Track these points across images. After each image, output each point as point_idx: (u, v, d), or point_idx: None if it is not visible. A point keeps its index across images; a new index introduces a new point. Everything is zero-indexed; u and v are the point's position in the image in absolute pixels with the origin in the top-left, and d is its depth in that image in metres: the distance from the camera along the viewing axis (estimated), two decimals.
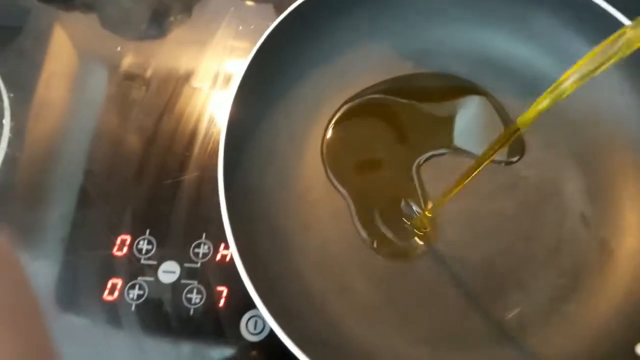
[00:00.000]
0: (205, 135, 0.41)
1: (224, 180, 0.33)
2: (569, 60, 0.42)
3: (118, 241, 0.38)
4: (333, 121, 0.43)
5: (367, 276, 0.38)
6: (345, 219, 0.39)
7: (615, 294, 0.38)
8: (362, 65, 0.43)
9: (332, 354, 0.34)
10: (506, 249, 0.39)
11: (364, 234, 0.39)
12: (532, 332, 0.37)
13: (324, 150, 0.41)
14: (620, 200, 0.41)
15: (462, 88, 0.44)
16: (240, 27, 0.45)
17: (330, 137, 0.42)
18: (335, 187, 0.40)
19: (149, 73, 0.43)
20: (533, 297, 0.38)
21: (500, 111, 0.44)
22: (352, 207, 0.40)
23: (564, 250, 0.40)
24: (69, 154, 0.41)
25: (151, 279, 0.37)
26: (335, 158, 0.41)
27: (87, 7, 0.49)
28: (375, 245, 0.39)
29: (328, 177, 0.41)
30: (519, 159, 0.42)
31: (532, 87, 0.43)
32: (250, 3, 0.48)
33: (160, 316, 0.36)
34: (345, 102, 0.43)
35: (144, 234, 0.38)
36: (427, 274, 0.39)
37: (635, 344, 0.34)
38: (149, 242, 0.38)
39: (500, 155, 0.42)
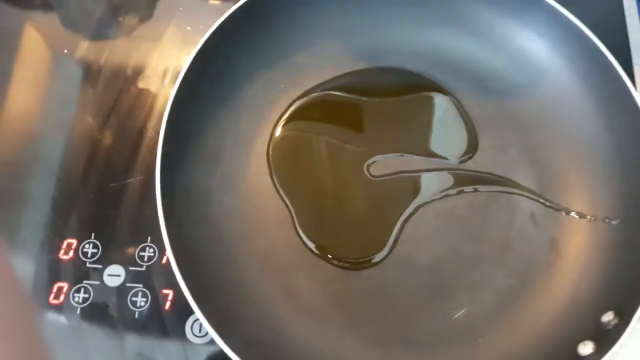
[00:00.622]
0: (152, 136, 0.41)
1: (162, 183, 0.33)
2: (518, 57, 0.43)
3: (64, 245, 0.38)
4: (280, 124, 0.42)
5: (312, 280, 0.38)
6: (291, 224, 0.39)
7: (561, 294, 0.38)
8: (313, 64, 0.43)
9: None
10: (455, 250, 0.40)
11: (309, 244, 0.39)
12: (480, 332, 0.37)
13: (270, 155, 0.41)
14: (569, 200, 0.41)
15: (416, 84, 0.44)
16: (189, 27, 0.45)
17: (277, 141, 0.42)
18: (279, 194, 0.40)
19: (97, 73, 0.43)
20: (481, 297, 0.38)
21: (458, 109, 0.43)
22: (295, 217, 0.40)
23: (513, 250, 0.40)
24: (14, 157, 0.41)
25: (96, 282, 0.37)
26: (281, 164, 0.41)
27: (48, 7, 0.48)
28: (322, 254, 0.39)
29: (274, 183, 0.41)
30: (469, 158, 0.42)
31: (486, 84, 0.44)
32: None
33: (106, 319, 0.36)
34: (293, 102, 0.43)
35: (90, 237, 0.38)
36: (374, 276, 0.39)
37: (578, 344, 0.35)
38: (95, 246, 0.38)
39: (452, 154, 0.42)
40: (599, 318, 0.35)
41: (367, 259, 0.39)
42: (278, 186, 0.40)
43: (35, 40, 0.46)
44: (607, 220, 0.39)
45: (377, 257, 0.39)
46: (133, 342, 0.36)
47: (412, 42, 0.44)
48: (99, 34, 0.46)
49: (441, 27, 0.44)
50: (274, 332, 0.36)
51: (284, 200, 0.40)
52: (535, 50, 0.42)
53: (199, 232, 0.36)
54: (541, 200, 0.41)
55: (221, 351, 0.36)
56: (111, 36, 0.45)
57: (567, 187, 0.41)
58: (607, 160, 0.40)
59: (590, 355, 0.33)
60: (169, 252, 0.32)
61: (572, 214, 0.40)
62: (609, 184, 0.40)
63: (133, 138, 0.41)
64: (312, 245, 0.39)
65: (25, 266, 0.37)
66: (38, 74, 0.44)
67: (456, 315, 0.38)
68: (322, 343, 0.36)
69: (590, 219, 0.40)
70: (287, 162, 0.41)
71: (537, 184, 0.41)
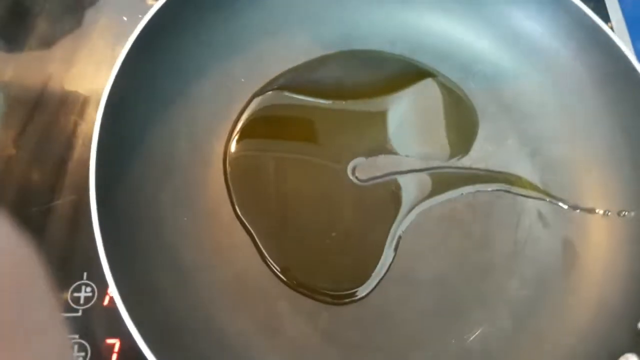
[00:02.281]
0: (83, 148, 0.33)
1: (98, 202, 0.26)
2: (508, 38, 0.39)
3: None
4: (237, 131, 0.35)
5: (296, 312, 0.31)
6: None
7: (586, 302, 0.33)
8: (278, 52, 0.36)
9: None
10: (460, 260, 0.34)
11: (282, 276, 0.32)
12: (498, 354, 0.31)
13: (228, 172, 0.34)
14: (578, 195, 0.36)
15: (398, 71, 0.39)
16: (125, 18, 0.37)
17: (235, 156, 0.34)
18: (240, 221, 0.33)
19: (8, 85, 0.35)
20: (495, 314, 0.33)
21: (449, 97, 0.38)
22: (261, 244, 0.33)
23: (523, 256, 0.34)
24: None
25: None
26: (241, 185, 0.34)
27: None
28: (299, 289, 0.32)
29: (234, 210, 0.33)
30: (465, 154, 0.37)
31: (475, 69, 0.39)
32: None
33: None
34: (254, 97, 0.36)
35: None
36: (371, 299, 0.32)
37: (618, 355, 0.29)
38: None
39: (443, 152, 0.37)
40: (636, 325, 0.30)
41: (353, 290, 0.32)
42: (238, 210, 0.33)
43: None
44: (623, 213, 0.35)
45: (368, 287, 0.32)
46: None
47: (390, 24, 0.38)
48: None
49: (421, 7, 0.38)
50: None
51: (245, 227, 0.33)
52: (526, 31, 0.38)
53: (150, 261, 0.28)
54: (547, 198, 0.36)
55: None
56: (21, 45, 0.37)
57: (574, 181, 0.36)
58: (614, 146, 0.36)
59: None
60: (113, 291, 0.24)
61: (583, 209, 0.35)
62: (618, 173, 0.36)
63: (57, 153, 0.33)
64: (284, 278, 0.32)
65: None
66: None
67: (471, 338, 0.32)
68: None
69: (604, 213, 0.35)
70: (248, 180, 0.34)
71: (540, 179, 0.36)
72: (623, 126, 0.36)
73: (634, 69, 0.34)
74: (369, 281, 0.33)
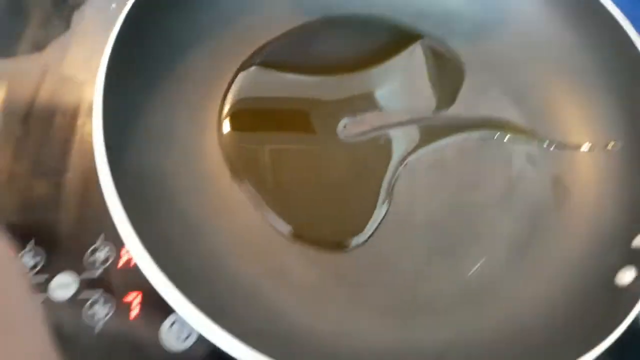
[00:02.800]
0: (88, 119, 0.35)
1: (110, 165, 0.27)
2: None
3: None
4: (229, 95, 0.37)
5: (302, 256, 0.33)
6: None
7: (580, 230, 0.34)
8: (264, 22, 0.38)
9: (282, 346, 0.28)
10: (454, 202, 0.35)
11: (283, 228, 0.34)
12: (500, 285, 0.33)
13: (222, 139, 0.35)
14: (564, 133, 0.38)
15: (380, 32, 0.41)
16: (114, 5, 0.39)
17: (228, 117, 0.36)
18: (237, 182, 0.35)
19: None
20: (493, 248, 0.34)
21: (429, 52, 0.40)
22: (263, 200, 0.34)
23: (515, 194, 0.36)
24: None
25: (42, 297, 0.30)
26: (234, 149, 0.35)
27: None
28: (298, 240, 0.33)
29: (230, 169, 0.35)
30: (450, 105, 0.38)
31: (452, 27, 0.40)
32: None
33: (60, 342, 0.29)
34: (238, 71, 0.38)
35: (28, 245, 0.31)
36: (373, 244, 0.33)
37: (614, 275, 0.31)
38: (36, 254, 0.31)
39: (429, 105, 0.38)
40: (630, 244, 0.32)
41: (352, 238, 0.34)
42: (234, 173, 0.35)
43: None
44: (608, 147, 0.36)
45: (366, 234, 0.34)
46: None
47: None
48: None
49: None
50: (273, 315, 0.30)
51: (244, 187, 0.35)
52: None
53: (162, 216, 0.30)
54: (534, 139, 0.37)
55: (206, 355, 0.30)
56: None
57: (559, 121, 0.38)
58: (593, 82, 0.38)
59: (635, 280, 0.29)
60: (133, 244, 0.26)
61: (570, 147, 0.37)
62: (600, 109, 0.37)
63: (65, 124, 0.35)
64: (286, 230, 0.34)
65: None
66: None
67: (471, 272, 0.33)
68: (327, 323, 0.31)
69: (590, 148, 0.37)
70: (241, 147, 0.36)
71: (525, 122, 0.38)
72: (599, 59, 0.37)
73: (604, 8, 0.36)
74: (366, 229, 0.34)
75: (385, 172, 0.36)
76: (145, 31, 0.33)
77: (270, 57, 0.38)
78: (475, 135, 0.38)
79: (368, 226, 0.34)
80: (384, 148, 0.36)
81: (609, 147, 0.36)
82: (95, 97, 0.29)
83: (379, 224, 0.34)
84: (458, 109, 0.38)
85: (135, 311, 0.30)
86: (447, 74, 0.40)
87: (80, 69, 0.38)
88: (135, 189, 0.30)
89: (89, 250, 0.31)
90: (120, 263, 0.31)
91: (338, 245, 0.33)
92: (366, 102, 0.38)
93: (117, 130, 0.29)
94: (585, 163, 0.37)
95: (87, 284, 0.30)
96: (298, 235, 0.33)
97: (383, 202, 0.35)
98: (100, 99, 0.29)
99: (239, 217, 0.33)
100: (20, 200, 0.32)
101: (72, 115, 0.36)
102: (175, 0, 0.35)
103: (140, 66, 0.33)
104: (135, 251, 0.26)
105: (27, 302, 0.17)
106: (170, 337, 0.30)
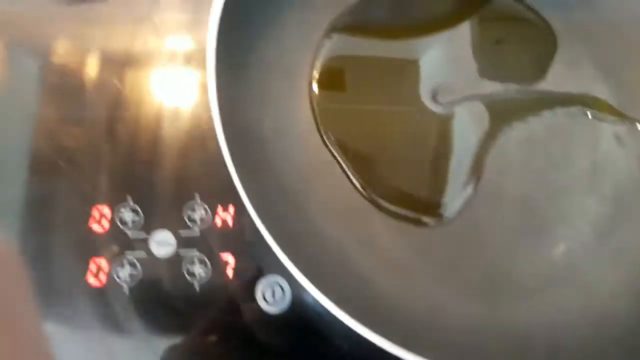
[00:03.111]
0: (187, 78, 0.34)
1: (223, 124, 0.27)
2: None
3: (94, 213, 0.31)
4: (320, 55, 0.36)
5: (390, 230, 0.33)
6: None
7: None
8: None
9: (369, 314, 0.29)
10: (542, 180, 0.35)
11: (371, 197, 0.34)
12: (585, 268, 0.33)
13: (312, 101, 0.35)
14: None
15: None
16: None
17: (319, 83, 0.36)
18: (328, 147, 0.34)
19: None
20: (576, 229, 0.34)
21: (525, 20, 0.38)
22: (350, 167, 0.34)
23: (602, 175, 0.36)
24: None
25: (142, 254, 0.31)
26: (327, 110, 0.35)
27: None
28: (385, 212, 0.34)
29: (320, 135, 0.35)
30: (539, 81, 0.37)
31: None
32: None
33: (161, 297, 0.30)
34: (332, 28, 0.37)
35: (125, 200, 0.31)
36: (461, 218, 0.34)
37: None
38: (133, 211, 0.31)
39: (521, 76, 0.37)
40: None
41: (442, 212, 0.34)
42: (325, 138, 0.35)
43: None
44: None
45: (455, 208, 0.34)
46: (198, 320, 0.30)
47: None
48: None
49: None
50: (362, 283, 0.31)
51: (333, 154, 0.35)
52: None
53: (263, 178, 0.30)
54: (623, 119, 0.37)
55: (300, 317, 0.31)
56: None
57: None
58: None
59: None
60: (247, 203, 0.26)
61: None
62: None
63: (161, 82, 0.34)
64: (369, 199, 0.34)
65: (51, 245, 0.31)
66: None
67: (557, 253, 0.34)
68: (413, 297, 0.31)
69: None
70: (333, 108, 0.35)
71: (615, 100, 0.37)
72: None
73: None
74: (455, 203, 0.34)
75: (476, 144, 0.35)
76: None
77: (359, 19, 0.37)
78: (564, 111, 0.37)
79: (455, 203, 0.34)
80: (474, 120, 0.36)
81: None
82: (208, 60, 0.28)
83: (469, 198, 0.34)
84: (549, 83, 0.37)
85: (231, 271, 0.31)
86: (540, 44, 0.38)
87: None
88: (240, 148, 0.29)
89: (185, 209, 0.31)
90: (217, 223, 0.32)
91: (418, 221, 0.34)
92: (456, 69, 0.37)
93: (226, 90, 0.29)
94: None
95: (185, 242, 0.31)
96: (379, 206, 0.34)
97: (470, 179, 0.35)
98: (213, 63, 0.28)
99: (327, 183, 0.34)
100: (119, 152, 0.32)
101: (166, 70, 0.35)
102: None
103: (241, 31, 0.32)
104: (248, 209, 0.26)
105: (26, 301, 0.16)
106: (267, 297, 0.31)
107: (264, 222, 0.25)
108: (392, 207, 0.34)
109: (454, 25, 0.38)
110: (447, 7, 0.39)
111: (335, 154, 0.34)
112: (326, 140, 0.34)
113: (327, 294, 0.26)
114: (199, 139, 0.33)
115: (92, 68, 0.34)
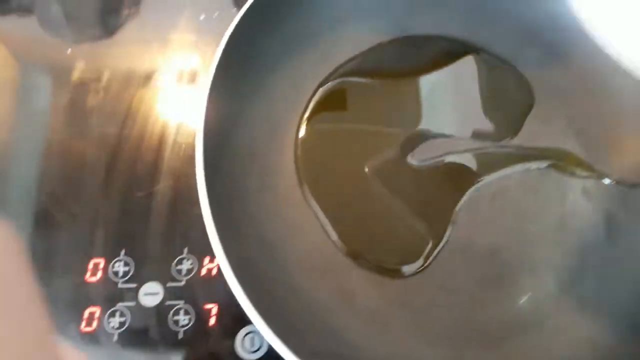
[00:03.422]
0: (175, 139, 0.37)
1: (207, 186, 0.30)
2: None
3: (90, 265, 0.34)
4: (306, 114, 0.39)
5: (365, 281, 0.35)
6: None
7: (628, 271, 0.36)
8: (342, 43, 0.40)
9: None
10: (512, 233, 0.37)
11: (350, 252, 0.36)
12: (549, 317, 0.35)
13: (298, 156, 0.38)
14: (622, 170, 0.39)
15: (453, 53, 0.41)
16: (203, 16, 0.41)
17: (303, 139, 0.38)
18: (309, 204, 0.37)
19: (103, 77, 0.39)
20: (542, 280, 0.36)
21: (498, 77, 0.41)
22: (328, 222, 0.36)
23: (568, 228, 0.38)
24: (23, 173, 0.36)
25: (132, 303, 0.33)
26: (308, 165, 0.38)
27: (24, 10, 0.44)
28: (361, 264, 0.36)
29: (302, 191, 0.37)
30: (512, 137, 0.40)
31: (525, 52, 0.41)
32: None
33: (147, 343, 0.33)
34: (321, 85, 0.39)
35: (119, 254, 0.34)
36: (434, 269, 0.36)
37: None
38: (126, 264, 0.34)
39: (495, 132, 0.40)
40: None
41: (413, 264, 0.36)
42: (306, 193, 0.37)
43: (24, 46, 0.42)
44: None
45: (428, 259, 0.36)
46: None
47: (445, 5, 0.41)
48: (97, 34, 0.42)
49: None
50: (334, 338, 0.33)
51: (312, 208, 0.37)
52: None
53: (244, 235, 0.33)
54: (592, 173, 0.39)
55: None
56: (112, 36, 0.41)
57: (618, 157, 0.39)
58: None
59: None
60: (222, 260, 0.28)
61: (626, 184, 0.38)
62: None
63: (154, 143, 0.37)
64: (347, 252, 0.36)
65: (50, 294, 0.33)
66: (34, 86, 0.40)
67: (521, 302, 0.36)
68: (387, 347, 0.33)
69: None
70: (315, 163, 0.38)
71: (585, 156, 0.39)
72: None
73: None
74: (428, 254, 0.36)
75: (449, 199, 0.38)
76: (241, 54, 0.34)
77: (344, 78, 0.40)
78: (535, 165, 0.39)
79: (428, 253, 0.36)
80: (449, 175, 0.38)
81: None
82: (200, 124, 0.31)
83: (439, 251, 0.36)
84: (522, 138, 0.40)
85: (213, 320, 0.33)
86: (515, 100, 0.41)
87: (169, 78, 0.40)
88: (223, 206, 0.32)
89: (175, 261, 0.34)
90: (202, 274, 0.34)
91: (396, 272, 0.36)
92: (434, 123, 0.39)
93: (213, 151, 0.31)
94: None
95: (172, 293, 0.34)
96: (358, 259, 0.36)
97: (445, 230, 0.37)
98: (203, 121, 0.31)
99: (308, 237, 0.36)
100: (115, 210, 0.35)
101: (163, 125, 0.38)
102: (264, 26, 0.36)
103: (234, 84, 0.35)
104: (222, 266, 0.29)
105: (28, 286, 0.17)
106: (245, 346, 0.33)
107: (237, 278, 0.28)
108: (371, 261, 0.36)
109: (431, 82, 0.40)
110: (424, 61, 0.41)
111: (315, 210, 0.36)
112: (307, 196, 0.37)
113: (298, 351, 0.28)
114: (189, 192, 0.36)
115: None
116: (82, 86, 0.38)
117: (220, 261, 0.28)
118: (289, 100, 0.38)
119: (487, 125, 0.40)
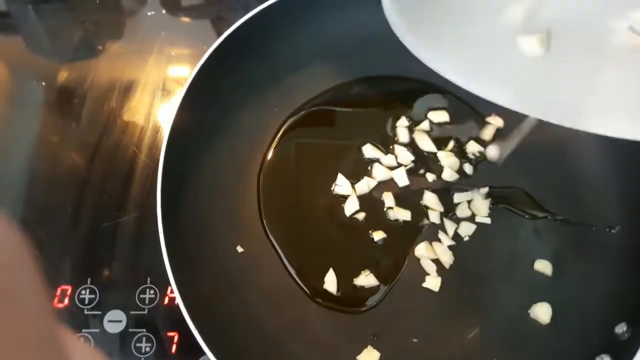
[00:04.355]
0: (142, 171, 0.39)
1: (163, 221, 0.32)
2: None
3: (58, 292, 0.35)
4: (271, 149, 0.41)
5: (319, 313, 0.37)
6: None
7: (569, 307, 0.38)
8: (304, 83, 0.42)
9: None
10: (462, 270, 0.39)
11: (306, 289, 0.38)
12: (492, 350, 0.37)
13: (260, 190, 0.40)
14: (571, 211, 0.41)
15: (416, 89, 0.44)
16: (174, 53, 0.43)
17: (265, 174, 0.40)
18: (269, 239, 0.39)
19: (80, 106, 0.41)
20: (489, 316, 0.38)
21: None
22: (287, 259, 0.38)
23: (518, 265, 0.40)
24: None
25: (96, 330, 0.35)
26: (269, 202, 0.39)
27: (11, 30, 0.46)
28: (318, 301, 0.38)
29: (263, 228, 0.39)
30: (468, 177, 0.42)
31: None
32: (185, 21, 0.45)
33: None
34: (285, 121, 0.42)
35: (86, 282, 0.36)
36: (385, 305, 0.38)
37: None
38: (92, 291, 0.36)
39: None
40: (613, 330, 0.35)
41: (368, 300, 0.38)
42: (267, 228, 0.39)
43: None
44: (608, 229, 0.40)
45: (380, 295, 0.38)
46: None
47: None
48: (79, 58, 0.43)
49: None
50: None
51: (272, 244, 0.39)
52: None
53: (203, 268, 0.35)
54: (543, 213, 0.41)
55: None
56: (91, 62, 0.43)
57: (568, 199, 0.41)
58: (601, 170, 0.41)
59: None
60: (176, 294, 0.30)
61: (574, 224, 0.41)
62: (605, 194, 0.41)
63: (122, 175, 0.39)
64: (308, 291, 0.38)
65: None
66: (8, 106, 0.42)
67: (470, 336, 0.37)
68: None
69: (592, 228, 0.40)
70: (276, 198, 0.40)
71: (537, 196, 0.41)
72: (616, 162, 0.41)
73: None
74: (380, 291, 0.38)
75: (403, 235, 0.40)
76: (202, 97, 0.36)
77: (306, 118, 0.42)
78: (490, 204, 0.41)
79: (382, 289, 0.38)
80: (403, 214, 0.40)
81: (607, 229, 0.40)
82: (160, 158, 0.32)
83: (391, 287, 0.38)
84: (477, 178, 0.42)
85: (174, 347, 0.35)
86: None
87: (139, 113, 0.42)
88: (183, 238, 0.34)
89: (138, 290, 0.36)
90: (165, 303, 0.36)
91: (351, 305, 0.38)
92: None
93: (174, 186, 0.33)
94: (584, 240, 0.40)
95: (135, 321, 0.35)
96: (313, 293, 0.38)
97: (399, 268, 0.39)
98: (162, 161, 0.33)
99: (269, 273, 0.38)
100: (82, 239, 0.37)
101: (131, 158, 0.40)
102: (231, 67, 0.38)
103: (197, 126, 0.37)
104: (175, 295, 0.30)
105: (30, 275, 0.18)
106: None
107: (189, 311, 0.30)
108: (326, 294, 0.38)
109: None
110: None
111: (275, 244, 0.38)
112: (267, 230, 0.39)
113: None
114: (154, 223, 0.37)
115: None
116: (54, 119, 0.40)
117: (174, 290, 0.30)
118: (253, 136, 0.40)
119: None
